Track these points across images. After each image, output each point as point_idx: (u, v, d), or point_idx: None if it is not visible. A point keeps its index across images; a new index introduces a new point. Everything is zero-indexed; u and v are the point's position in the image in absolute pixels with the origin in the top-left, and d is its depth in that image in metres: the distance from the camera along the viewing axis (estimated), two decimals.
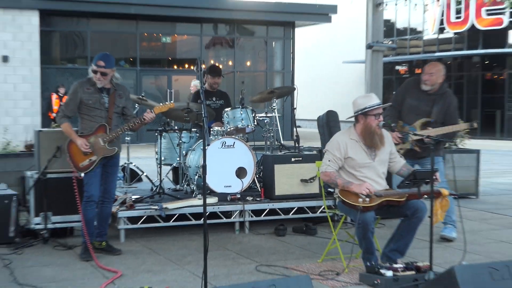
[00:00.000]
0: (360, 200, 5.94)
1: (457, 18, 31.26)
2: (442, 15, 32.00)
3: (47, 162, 7.35)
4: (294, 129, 9.64)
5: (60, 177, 7.39)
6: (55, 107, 21.04)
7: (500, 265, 4.96)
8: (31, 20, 22.13)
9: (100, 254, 6.84)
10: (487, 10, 30.01)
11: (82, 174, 6.86)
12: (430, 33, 33.72)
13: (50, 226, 7.43)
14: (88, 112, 6.80)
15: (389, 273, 5.61)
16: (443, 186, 7.31)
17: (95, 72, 6.74)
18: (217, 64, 19.28)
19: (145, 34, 26.07)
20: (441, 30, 32.69)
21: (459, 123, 7.80)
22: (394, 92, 7.51)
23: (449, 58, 33.28)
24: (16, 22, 21.80)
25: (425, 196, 6.05)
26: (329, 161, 6.26)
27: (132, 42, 25.46)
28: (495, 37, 30.50)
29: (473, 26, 30.51)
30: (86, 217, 6.81)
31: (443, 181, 7.46)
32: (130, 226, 7.64)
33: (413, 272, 5.67)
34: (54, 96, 21.39)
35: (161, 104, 7.16)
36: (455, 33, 32.30)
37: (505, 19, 29.71)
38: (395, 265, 5.76)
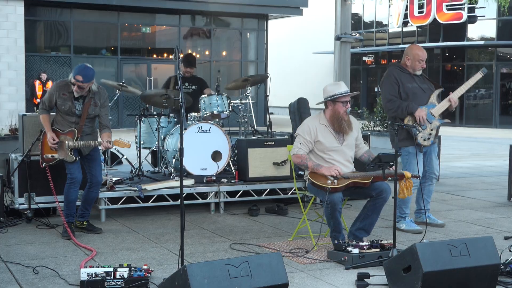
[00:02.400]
0: (329, 182, 5.95)
1: (420, 12, 31.36)
2: (406, 10, 32.10)
3: (30, 145, 7.25)
4: (267, 115, 9.62)
5: None
6: (39, 92, 20.97)
7: (458, 243, 4.98)
8: (16, 10, 21.77)
9: (81, 233, 6.78)
10: (448, 5, 30.15)
11: (43, 164, 6.82)
12: (394, 26, 33.82)
13: (33, 206, 7.34)
14: (62, 114, 6.70)
15: (355, 251, 5.62)
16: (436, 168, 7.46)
17: (73, 84, 6.56)
18: (193, 54, 19.16)
19: (126, 24, 25.83)
20: (405, 23, 32.80)
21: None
22: (384, 90, 7.19)
23: None
24: (2, 11, 21.43)
25: (389, 178, 6.07)
26: (300, 144, 6.25)
27: (113, 32, 25.23)
28: (455, 30, 30.68)
29: (434, 20, 30.64)
30: (69, 198, 6.72)
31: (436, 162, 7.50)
32: (111, 206, 7.57)
33: (378, 250, 5.69)
34: (37, 82, 21.24)
35: (122, 140, 6.94)
36: (418, 27, 32.43)
37: (465, 14, 29.88)
38: (361, 243, 5.78)
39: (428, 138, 7.17)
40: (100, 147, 6.84)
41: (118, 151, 9.57)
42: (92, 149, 6.84)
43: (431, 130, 7.18)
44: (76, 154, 6.73)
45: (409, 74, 7.30)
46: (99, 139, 6.81)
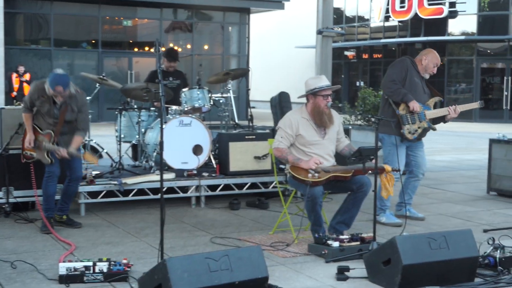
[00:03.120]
0: (310, 175, 5.95)
1: (401, 7, 31.49)
2: (388, 4, 32.22)
3: (9, 139, 7.18)
4: (249, 109, 9.60)
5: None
6: (16, 85, 20.81)
7: (437, 236, 5.00)
8: None
9: (61, 227, 6.73)
10: (429, 0, 30.31)
11: (24, 160, 6.77)
12: (376, 21, 33.92)
13: (12, 200, 7.27)
14: (42, 115, 6.65)
15: (336, 244, 5.63)
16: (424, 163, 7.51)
17: (54, 95, 6.48)
18: (175, 48, 19.06)
19: (107, 17, 25.67)
20: (387, 18, 32.91)
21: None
22: (392, 71, 7.21)
23: (394, 45, 33.57)
24: None
25: (370, 171, 6.08)
26: (281, 137, 6.24)
27: (94, 25, 25.05)
28: (436, 25, 30.83)
29: (416, 15, 30.78)
30: (47, 192, 6.67)
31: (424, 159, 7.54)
32: (90, 200, 7.52)
33: (358, 243, 5.70)
34: (14, 75, 21.02)
35: (92, 155, 6.86)
36: (399, 21, 32.54)
37: (445, 9, 30.06)
38: (341, 237, 5.78)
39: (413, 133, 7.20)
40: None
41: (98, 144, 9.50)
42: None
43: (418, 127, 7.23)
44: (54, 154, 6.66)
45: (418, 72, 7.40)
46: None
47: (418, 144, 7.44)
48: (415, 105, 7.12)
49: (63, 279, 4.89)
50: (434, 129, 7.39)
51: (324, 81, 6.31)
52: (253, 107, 10.58)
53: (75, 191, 7.00)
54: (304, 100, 6.44)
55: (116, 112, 8.83)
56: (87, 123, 6.94)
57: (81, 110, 6.72)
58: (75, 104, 6.65)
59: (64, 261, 5.02)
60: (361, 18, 35.72)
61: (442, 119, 7.43)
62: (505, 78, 29.76)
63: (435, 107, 7.43)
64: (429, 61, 7.39)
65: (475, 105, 7.64)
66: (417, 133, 7.23)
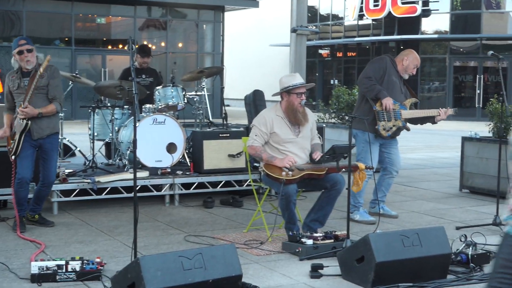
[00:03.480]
0: (284, 173, 5.96)
1: (375, 6, 31.67)
2: (362, 3, 32.37)
3: None
4: (223, 107, 9.59)
5: None
6: None
7: (410, 233, 5.04)
8: None
9: (33, 226, 6.66)
10: None
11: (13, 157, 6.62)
12: (350, 20, 34.08)
13: None
14: (16, 100, 6.52)
15: (310, 242, 5.64)
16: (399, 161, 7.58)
17: (20, 52, 6.43)
18: (149, 45, 18.93)
19: (80, 15, 25.46)
20: (361, 16, 33.08)
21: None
22: (370, 68, 7.21)
23: (368, 43, 33.75)
24: None
25: (343, 169, 6.10)
26: (255, 135, 6.24)
27: (67, 23, 24.82)
28: (410, 24, 31.06)
29: (389, 14, 30.97)
30: (18, 196, 6.50)
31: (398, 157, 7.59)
32: (63, 198, 7.46)
33: (332, 241, 5.72)
34: None
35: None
36: (373, 20, 32.73)
37: (419, 8, 30.29)
38: (315, 234, 5.80)
39: (388, 131, 7.24)
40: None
41: (71, 143, 9.44)
42: (49, 142, 6.59)
43: (393, 125, 7.26)
44: (30, 144, 6.47)
45: (397, 72, 7.43)
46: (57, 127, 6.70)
47: (392, 142, 7.48)
48: (388, 101, 7.15)
49: (35, 278, 4.84)
50: (408, 129, 7.43)
51: (298, 79, 6.32)
52: (228, 105, 10.56)
53: (46, 195, 6.88)
54: (278, 98, 6.45)
55: (90, 110, 8.77)
56: (61, 93, 6.66)
57: (53, 76, 6.56)
58: (46, 71, 6.47)
59: (36, 260, 4.97)
60: (335, 17, 35.86)
61: (432, 119, 7.48)
62: (477, 76, 30.07)
63: (413, 107, 7.47)
64: (410, 62, 7.45)
65: (451, 111, 7.65)
66: (392, 130, 7.27)
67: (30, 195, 6.77)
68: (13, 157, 6.52)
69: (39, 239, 6.16)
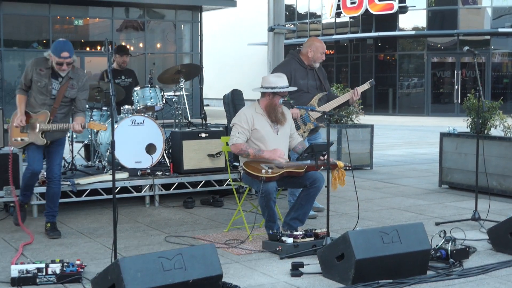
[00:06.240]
0: (263, 171, 5.97)
1: (352, 3, 31.80)
2: (339, 1, 32.51)
3: None
4: (202, 107, 9.58)
5: None
6: None
7: (389, 230, 5.07)
8: None
9: (17, 227, 6.64)
10: None
11: (12, 148, 6.55)
12: (328, 17, 34.20)
13: None
14: (37, 94, 6.23)
15: (290, 240, 5.65)
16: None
17: (60, 64, 6.05)
18: (127, 46, 18.87)
19: (58, 17, 25.27)
20: (338, 14, 33.20)
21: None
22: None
23: (346, 41, 33.88)
24: None
25: (322, 167, 6.12)
26: (238, 133, 6.23)
27: (45, 25, 24.63)
28: (387, 21, 31.23)
29: (367, 11, 31.12)
30: (26, 183, 6.52)
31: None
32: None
33: (312, 239, 5.73)
34: None
35: (97, 122, 6.61)
36: (351, 17, 32.86)
37: (395, 5, 30.45)
38: (295, 233, 5.80)
39: (303, 136, 7.21)
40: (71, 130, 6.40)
41: None
42: (58, 139, 6.45)
43: (304, 132, 7.20)
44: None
45: (305, 68, 7.35)
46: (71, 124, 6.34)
47: (315, 136, 7.51)
48: (292, 111, 6.89)
49: (15, 281, 4.81)
50: (323, 127, 7.12)
51: (285, 81, 6.34)
52: (207, 105, 10.56)
53: (55, 192, 6.58)
54: (257, 96, 6.45)
55: None
56: (86, 105, 6.53)
57: (82, 88, 6.31)
58: (77, 80, 6.25)
59: (16, 263, 4.94)
60: (312, 15, 35.95)
61: (346, 103, 7.43)
62: (455, 72, 30.31)
63: (321, 102, 7.30)
64: (315, 52, 7.31)
65: (367, 85, 7.50)
66: (305, 135, 7.23)
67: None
68: (13, 149, 6.50)
69: (20, 242, 6.12)
